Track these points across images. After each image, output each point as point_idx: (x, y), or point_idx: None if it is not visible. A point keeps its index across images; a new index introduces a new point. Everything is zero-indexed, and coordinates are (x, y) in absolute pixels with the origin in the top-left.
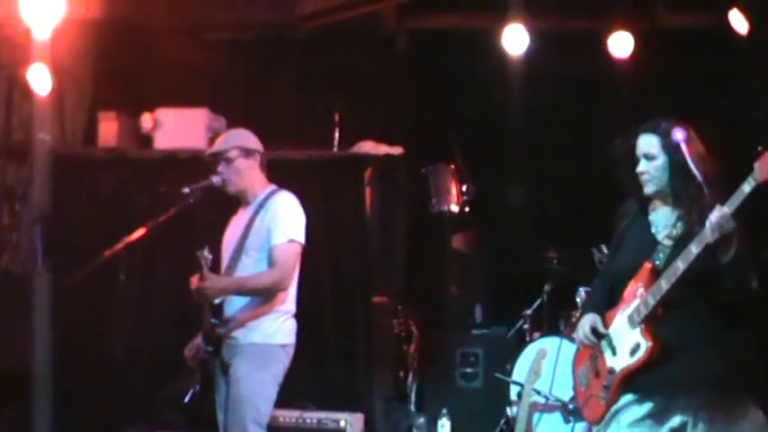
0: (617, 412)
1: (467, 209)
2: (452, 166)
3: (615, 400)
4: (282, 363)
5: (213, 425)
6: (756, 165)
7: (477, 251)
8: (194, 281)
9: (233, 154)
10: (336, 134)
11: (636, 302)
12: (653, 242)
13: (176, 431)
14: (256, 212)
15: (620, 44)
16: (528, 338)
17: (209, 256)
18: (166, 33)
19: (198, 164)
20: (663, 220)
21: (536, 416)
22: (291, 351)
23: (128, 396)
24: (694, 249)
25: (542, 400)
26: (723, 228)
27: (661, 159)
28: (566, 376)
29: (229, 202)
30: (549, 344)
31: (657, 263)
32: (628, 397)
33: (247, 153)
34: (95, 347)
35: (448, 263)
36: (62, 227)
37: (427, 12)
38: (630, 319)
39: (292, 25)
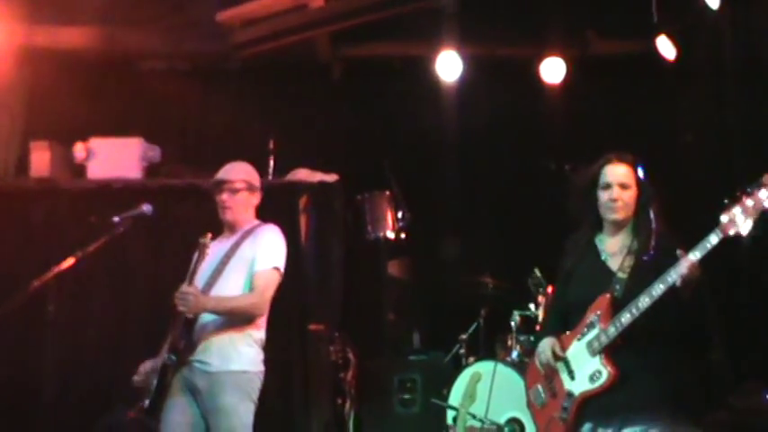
0: None
1: (402, 236)
2: (388, 193)
3: (574, 421)
4: (259, 388)
5: None
6: (722, 217)
7: (413, 278)
8: (184, 286)
9: (240, 186)
10: (271, 162)
11: (595, 331)
12: (607, 272)
13: None
14: (243, 239)
15: (552, 70)
16: (464, 363)
17: (209, 245)
18: (100, 62)
19: (132, 194)
20: (610, 248)
21: None
22: (262, 377)
23: None
24: (661, 288)
25: (478, 425)
26: (692, 275)
27: (633, 190)
28: (501, 399)
29: (162, 231)
30: (483, 368)
31: (616, 294)
32: (586, 427)
33: (252, 189)
34: (23, 382)
35: (384, 289)
36: None
37: (361, 40)
38: (590, 346)
39: (227, 55)
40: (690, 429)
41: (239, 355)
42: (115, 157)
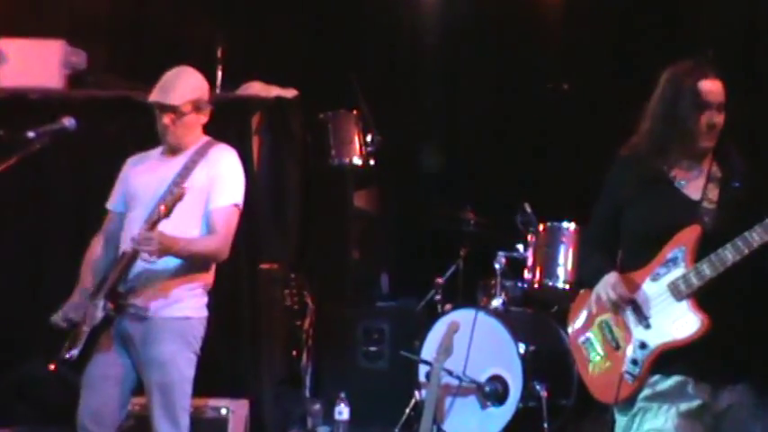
0: (665, 396)
1: (371, 162)
2: (355, 113)
3: (646, 377)
4: (202, 337)
5: (69, 415)
6: None
7: (382, 211)
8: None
9: (186, 110)
10: (219, 73)
11: (679, 270)
12: (686, 201)
13: (23, 427)
14: (193, 163)
15: None
16: (440, 311)
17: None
18: None
19: (51, 105)
20: (682, 175)
21: (448, 400)
22: (205, 324)
23: None
24: None
25: (455, 382)
26: None
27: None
28: (482, 354)
29: (88, 150)
30: (462, 316)
31: (706, 227)
32: (675, 379)
33: (200, 108)
34: None
35: (349, 224)
36: None
37: None
38: (675, 289)
39: None
40: None
41: (180, 299)
42: (32, 63)
